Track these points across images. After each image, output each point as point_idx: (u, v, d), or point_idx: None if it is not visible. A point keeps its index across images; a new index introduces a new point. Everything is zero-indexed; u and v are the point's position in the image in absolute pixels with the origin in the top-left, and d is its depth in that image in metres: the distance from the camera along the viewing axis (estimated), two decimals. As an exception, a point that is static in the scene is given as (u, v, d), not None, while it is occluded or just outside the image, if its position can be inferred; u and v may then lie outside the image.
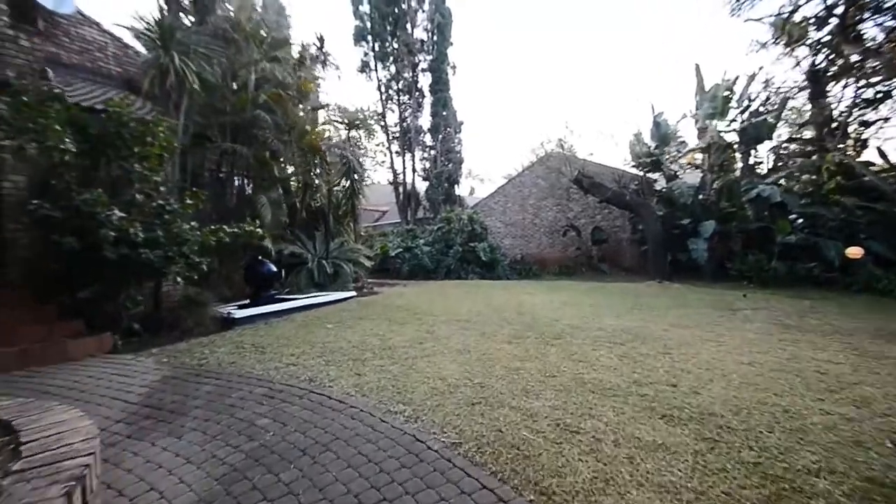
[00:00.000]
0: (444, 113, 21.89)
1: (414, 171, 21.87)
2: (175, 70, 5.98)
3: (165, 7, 6.53)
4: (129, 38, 7.81)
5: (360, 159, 12.56)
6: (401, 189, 21.76)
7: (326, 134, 9.95)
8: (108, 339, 4.77)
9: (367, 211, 25.31)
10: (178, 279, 5.64)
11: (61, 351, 4.37)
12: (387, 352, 4.74)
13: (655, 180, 16.16)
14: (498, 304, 8.07)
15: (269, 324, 6.58)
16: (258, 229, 6.68)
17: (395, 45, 21.06)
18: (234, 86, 8.00)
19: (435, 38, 21.46)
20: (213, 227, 5.70)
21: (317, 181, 10.48)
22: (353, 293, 9.20)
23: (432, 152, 22.44)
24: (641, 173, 15.78)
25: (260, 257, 8.53)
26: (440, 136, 21.77)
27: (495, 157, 67.78)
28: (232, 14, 7.99)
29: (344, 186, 12.19)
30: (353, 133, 12.75)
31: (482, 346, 4.93)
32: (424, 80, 22.11)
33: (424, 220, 21.51)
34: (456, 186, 21.95)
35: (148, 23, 6.09)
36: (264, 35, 8.25)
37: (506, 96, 63.58)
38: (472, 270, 15.15)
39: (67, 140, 3.92)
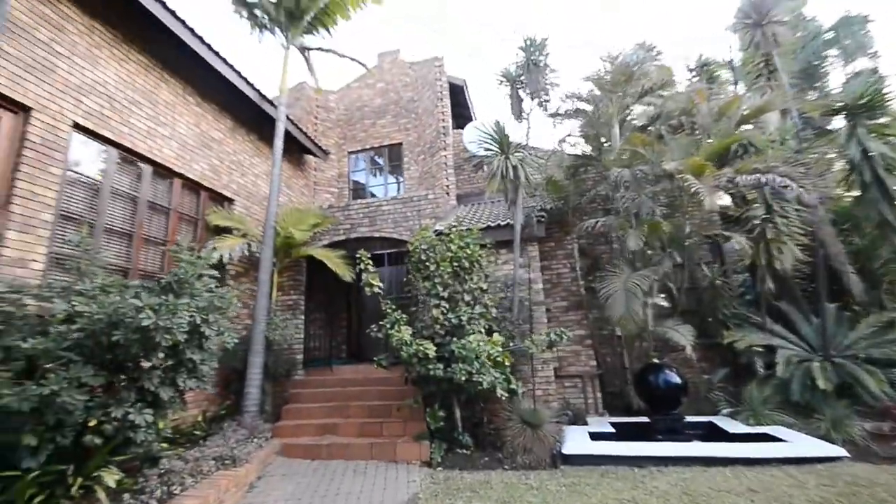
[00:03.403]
0: None
1: None
2: (503, 172, 6.19)
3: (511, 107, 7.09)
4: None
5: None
6: None
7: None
8: (426, 447, 5.21)
9: None
10: (502, 393, 5.27)
11: (391, 451, 5.27)
12: None
13: None
14: None
15: (604, 474, 4.56)
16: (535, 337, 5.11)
17: None
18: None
19: None
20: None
21: (778, 224, 6.55)
22: (841, 452, 4.47)
23: None
24: None
25: (656, 360, 6.30)
26: None
27: None
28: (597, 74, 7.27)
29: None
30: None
31: None
32: None
33: None
34: None
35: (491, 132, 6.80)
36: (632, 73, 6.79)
37: None
38: None
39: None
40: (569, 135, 7.52)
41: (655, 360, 6.28)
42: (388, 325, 5.11)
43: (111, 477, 3.24)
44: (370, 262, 5.38)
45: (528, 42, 6.75)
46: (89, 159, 4.94)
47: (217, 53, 6.29)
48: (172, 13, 5.47)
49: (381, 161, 10.62)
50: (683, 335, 6.32)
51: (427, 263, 5.45)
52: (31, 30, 4.26)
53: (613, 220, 6.36)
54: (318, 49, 7.89)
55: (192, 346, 3.83)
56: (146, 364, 3.61)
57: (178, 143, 6.04)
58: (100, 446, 3.26)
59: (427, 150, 9.71)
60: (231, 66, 6.58)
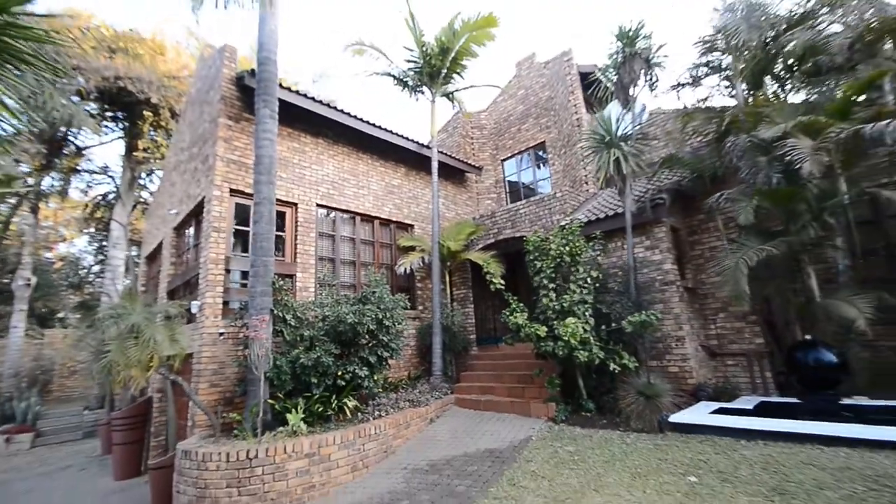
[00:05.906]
0: None
1: None
2: (606, 166, 6.91)
3: (619, 100, 7.35)
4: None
5: None
6: None
7: None
8: (552, 408, 6.67)
9: None
10: (614, 367, 6.27)
11: (526, 408, 6.94)
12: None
13: None
14: None
15: (702, 441, 5.06)
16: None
17: None
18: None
19: None
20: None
21: None
22: None
23: None
24: None
25: (808, 337, 5.77)
26: None
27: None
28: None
29: None
30: None
31: None
32: None
33: None
34: None
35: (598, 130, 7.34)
36: None
37: None
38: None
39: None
40: (692, 105, 7.25)
41: (809, 338, 5.82)
42: (507, 313, 6.82)
43: (351, 403, 6.22)
44: (490, 262, 7.18)
45: (622, 32, 7.02)
46: (327, 221, 8.50)
47: (386, 129, 9.22)
48: (355, 117, 8.58)
49: (530, 161, 12.01)
50: (857, 307, 5.63)
51: (534, 262, 6.86)
52: (290, 159, 7.88)
53: (733, 193, 6.13)
54: (456, 90, 10.04)
55: (382, 332, 6.58)
56: (362, 342, 6.56)
57: (373, 196, 9.24)
58: (344, 386, 6.28)
59: (566, 143, 10.56)
60: (397, 134, 9.44)
